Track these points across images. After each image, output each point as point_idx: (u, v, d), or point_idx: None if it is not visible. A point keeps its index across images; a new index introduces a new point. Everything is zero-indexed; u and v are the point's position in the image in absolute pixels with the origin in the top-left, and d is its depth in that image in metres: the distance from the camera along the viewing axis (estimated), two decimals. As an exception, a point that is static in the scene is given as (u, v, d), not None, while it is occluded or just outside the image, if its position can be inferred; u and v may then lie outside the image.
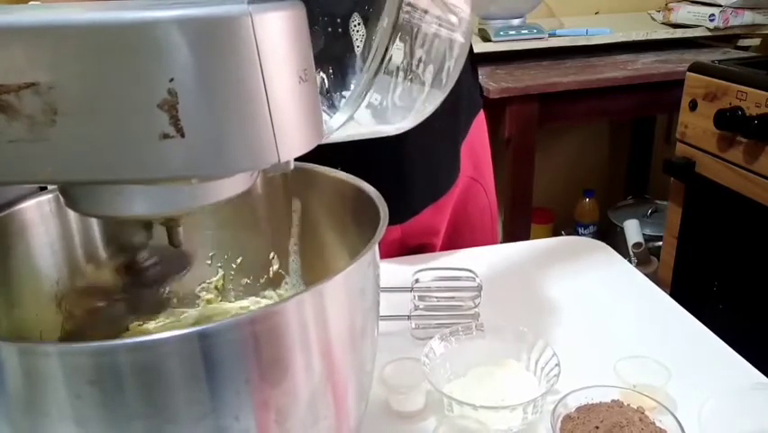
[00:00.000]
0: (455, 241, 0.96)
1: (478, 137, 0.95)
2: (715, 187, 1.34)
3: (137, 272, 0.44)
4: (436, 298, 0.69)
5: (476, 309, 0.68)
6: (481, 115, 0.97)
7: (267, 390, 0.35)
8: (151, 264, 0.44)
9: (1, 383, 0.32)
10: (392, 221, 0.72)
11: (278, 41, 0.31)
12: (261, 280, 0.58)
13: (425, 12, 0.48)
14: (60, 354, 0.31)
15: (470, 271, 0.70)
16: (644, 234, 1.97)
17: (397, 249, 0.90)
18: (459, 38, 0.53)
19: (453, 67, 0.52)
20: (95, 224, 0.51)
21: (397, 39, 0.44)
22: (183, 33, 0.29)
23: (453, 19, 0.52)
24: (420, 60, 0.50)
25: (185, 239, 0.41)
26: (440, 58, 0.51)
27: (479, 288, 0.68)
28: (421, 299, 0.69)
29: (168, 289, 0.53)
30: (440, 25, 0.51)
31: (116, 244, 0.42)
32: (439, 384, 0.56)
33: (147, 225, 0.42)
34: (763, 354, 0.65)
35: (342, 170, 0.57)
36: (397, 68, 0.48)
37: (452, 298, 0.69)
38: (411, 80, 0.51)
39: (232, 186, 0.36)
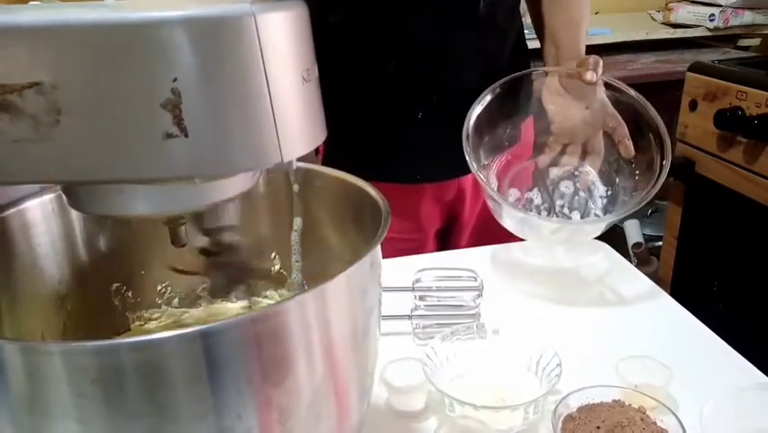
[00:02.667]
0: (483, 234, 0.97)
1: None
2: (715, 187, 1.34)
3: (216, 254, 0.45)
4: (437, 297, 0.70)
5: (477, 309, 0.68)
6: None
7: (269, 389, 0.35)
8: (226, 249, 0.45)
9: (4, 382, 0.32)
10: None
11: (282, 42, 0.32)
12: (263, 280, 0.58)
13: None
14: (63, 353, 0.31)
15: (472, 271, 0.70)
16: (644, 234, 1.97)
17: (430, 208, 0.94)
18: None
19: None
20: (97, 223, 0.51)
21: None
22: (186, 33, 0.29)
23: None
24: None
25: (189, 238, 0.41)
26: None
27: (480, 287, 0.68)
28: (422, 298, 0.69)
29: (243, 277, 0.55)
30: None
31: (198, 227, 0.43)
32: (440, 384, 0.56)
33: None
34: (763, 354, 0.65)
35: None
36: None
37: (453, 297, 0.70)
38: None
39: (235, 185, 0.36)
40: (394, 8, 0.83)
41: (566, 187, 0.78)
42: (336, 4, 0.85)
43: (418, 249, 0.95)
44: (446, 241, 1.01)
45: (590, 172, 0.77)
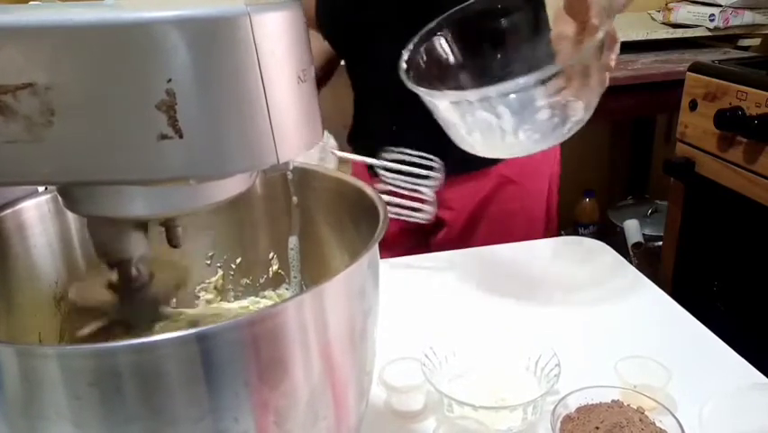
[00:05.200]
0: (469, 233, 0.96)
1: None
2: (715, 187, 1.34)
3: (128, 291, 0.44)
4: (395, 180, 0.68)
5: (434, 196, 0.67)
6: None
7: (266, 391, 0.35)
8: (142, 283, 0.43)
9: (0, 386, 0.32)
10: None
11: (277, 42, 0.31)
12: (261, 281, 0.58)
13: None
14: (59, 356, 0.31)
15: (434, 159, 0.69)
16: (644, 234, 1.97)
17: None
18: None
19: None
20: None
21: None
22: (181, 34, 0.28)
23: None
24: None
25: (183, 239, 0.41)
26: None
27: (438, 173, 0.66)
28: (381, 177, 0.67)
29: (161, 309, 0.52)
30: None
31: (106, 258, 0.41)
32: (439, 384, 0.56)
33: (142, 227, 0.41)
34: (763, 354, 0.65)
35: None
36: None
37: (414, 182, 0.68)
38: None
39: (231, 186, 0.36)
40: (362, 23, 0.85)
41: (544, 114, 0.68)
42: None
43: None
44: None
45: (579, 109, 0.69)
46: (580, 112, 0.67)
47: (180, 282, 0.53)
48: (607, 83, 0.71)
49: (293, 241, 0.52)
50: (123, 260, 0.41)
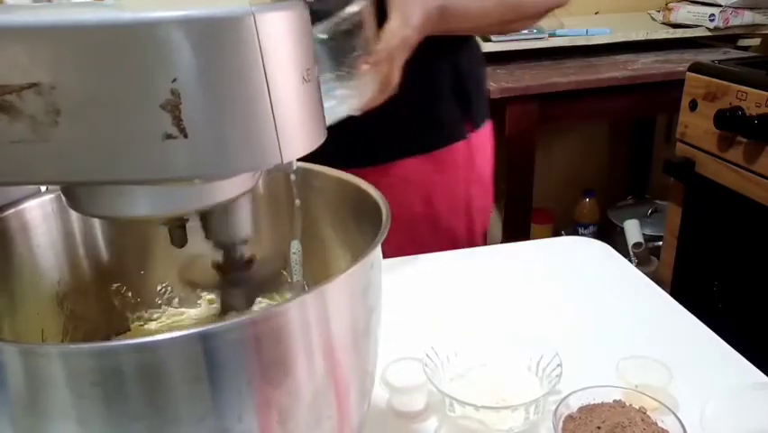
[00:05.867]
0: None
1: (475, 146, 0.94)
2: (715, 187, 1.34)
3: (231, 271, 0.44)
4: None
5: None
6: (484, 131, 0.96)
7: (269, 390, 0.35)
8: (245, 263, 0.44)
9: (3, 384, 0.32)
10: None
11: (281, 42, 0.31)
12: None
13: None
14: (63, 355, 0.31)
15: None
16: (644, 234, 1.97)
17: None
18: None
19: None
20: (96, 224, 0.51)
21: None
22: (186, 34, 0.29)
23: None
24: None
25: (190, 239, 0.41)
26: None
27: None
28: None
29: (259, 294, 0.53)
30: None
31: (214, 240, 0.43)
32: (441, 384, 0.56)
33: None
34: (763, 354, 0.65)
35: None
36: None
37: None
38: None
39: (235, 186, 0.36)
40: None
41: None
42: None
43: None
44: None
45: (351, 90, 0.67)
46: (351, 95, 0.66)
47: (279, 268, 0.54)
48: (380, 76, 0.69)
49: (295, 245, 0.52)
50: (228, 242, 0.42)
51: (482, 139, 0.96)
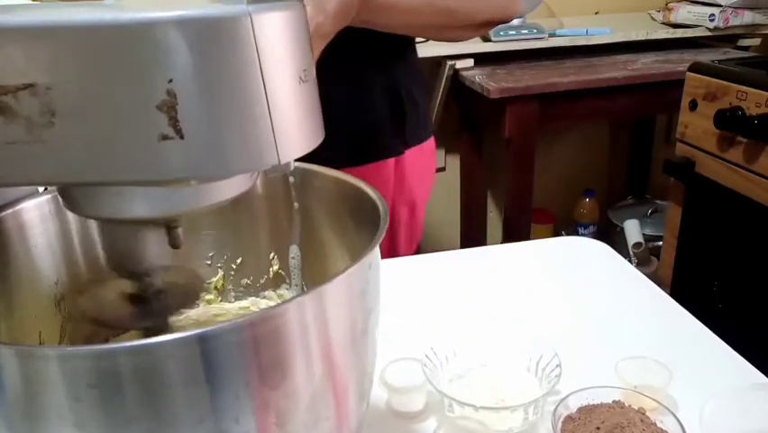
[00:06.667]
0: None
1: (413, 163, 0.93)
2: (715, 187, 1.34)
3: (143, 302, 0.43)
4: None
5: None
6: (427, 146, 0.95)
7: (267, 392, 0.35)
8: (156, 294, 0.43)
9: (0, 387, 0.32)
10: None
11: (278, 42, 0.31)
12: (261, 281, 0.58)
13: None
14: (60, 357, 0.31)
15: None
16: (644, 234, 1.97)
17: None
18: None
19: None
20: (94, 225, 0.51)
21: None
22: (182, 34, 0.28)
23: None
24: None
25: (184, 240, 0.41)
26: None
27: None
28: None
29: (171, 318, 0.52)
30: None
31: (122, 270, 0.42)
32: (440, 385, 0.56)
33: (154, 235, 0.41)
34: (763, 354, 0.65)
35: None
36: None
37: None
38: None
39: (232, 187, 0.36)
40: None
41: None
42: None
43: None
44: None
45: None
46: None
47: (192, 291, 0.52)
48: None
49: (294, 250, 0.52)
50: (138, 270, 0.41)
51: (417, 158, 0.94)
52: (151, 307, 0.44)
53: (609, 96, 1.73)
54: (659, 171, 2.12)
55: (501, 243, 0.97)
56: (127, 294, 0.43)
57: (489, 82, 1.66)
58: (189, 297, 0.51)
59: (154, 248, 0.41)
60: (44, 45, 0.28)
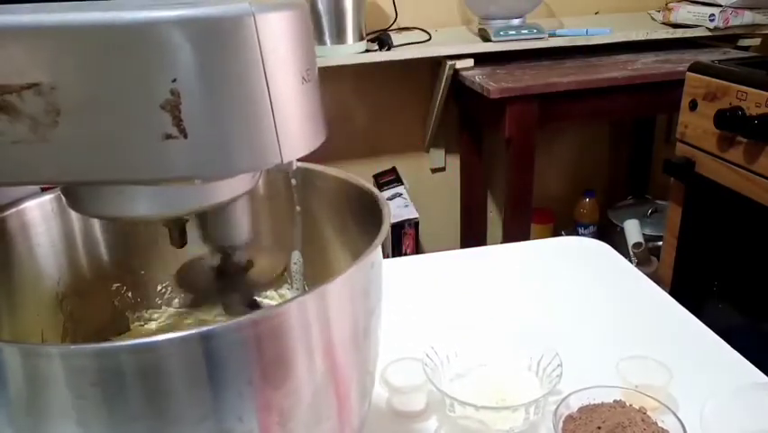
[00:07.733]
0: None
1: None
2: (715, 187, 1.34)
3: (229, 275, 0.44)
4: None
5: None
6: None
7: (269, 391, 0.35)
8: (240, 270, 0.44)
9: (3, 385, 0.32)
10: None
11: (281, 41, 0.31)
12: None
13: None
14: (63, 355, 0.31)
15: None
16: (644, 234, 1.97)
17: None
18: None
19: None
20: (96, 224, 0.51)
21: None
22: (186, 33, 0.29)
23: None
24: None
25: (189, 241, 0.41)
26: None
27: None
28: None
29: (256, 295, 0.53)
30: None
31: (212, 244, 0.43)
32: (441, 384, 0.56)
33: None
34: (763, 354, 0.65)
35: None
36: None
37: None
38: None
39: (234, 186, 0.36)
40: None
41: None
42: None
43: None
44: None
45: None
46: None
47: (276, 271, 0.53)
48: None
49: (296, 256, 0.52)
50: (226, 246, 0.42)
51: None
52: (234, 283, 0.45)
53: (609, 96, 1.73)
54: (659, 171, 2.12)
55: (501, 243, 0.97)
56: (215, 267, 0.45)
57: (489, 82, 1.66)
58: (272, 277, 0.52)
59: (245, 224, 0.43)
60: (49, 45, 0.28)
